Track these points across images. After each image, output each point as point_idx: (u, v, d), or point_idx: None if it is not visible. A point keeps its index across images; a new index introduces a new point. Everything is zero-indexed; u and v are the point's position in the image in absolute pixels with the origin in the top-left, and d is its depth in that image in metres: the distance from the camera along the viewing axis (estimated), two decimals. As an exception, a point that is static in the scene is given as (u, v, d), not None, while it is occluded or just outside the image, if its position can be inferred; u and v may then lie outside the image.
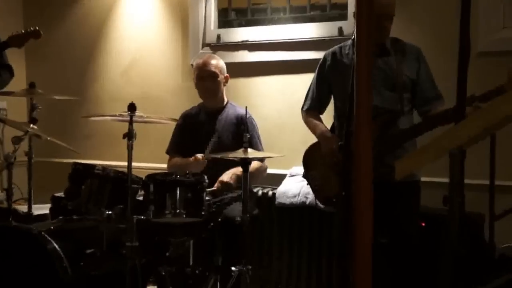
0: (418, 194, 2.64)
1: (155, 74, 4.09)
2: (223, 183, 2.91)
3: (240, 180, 2.72)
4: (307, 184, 2.83)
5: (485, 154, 2.10)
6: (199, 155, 2.95)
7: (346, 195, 2.12)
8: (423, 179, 2.65)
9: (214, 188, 2.86)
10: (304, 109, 2.87)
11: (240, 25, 4.02)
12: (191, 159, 2.98)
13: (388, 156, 2.37)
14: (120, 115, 2.52)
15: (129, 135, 2.44)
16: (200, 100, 3.27)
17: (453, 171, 0.97)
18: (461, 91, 1.13)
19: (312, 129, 2.80)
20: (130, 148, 2.45)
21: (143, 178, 2.62)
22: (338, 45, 2.76)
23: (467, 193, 1.26)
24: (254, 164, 2.98)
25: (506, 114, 0.82)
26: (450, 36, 1.56)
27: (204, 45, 3.93)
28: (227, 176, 2.94)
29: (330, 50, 2.77)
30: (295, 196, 3.27)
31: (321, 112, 2.86)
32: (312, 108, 2.84)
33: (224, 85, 3.21)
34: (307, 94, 2.86)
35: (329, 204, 2.78)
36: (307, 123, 2.86)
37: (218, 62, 3.18)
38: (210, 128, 3.14)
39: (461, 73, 1.12)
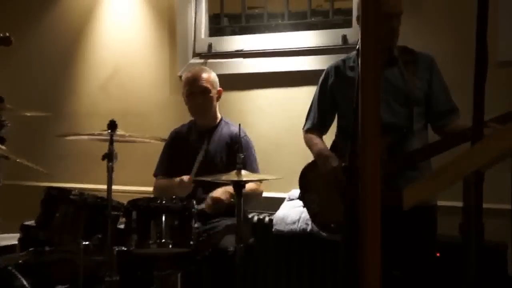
0: (433, 221, 2.63)
1: (139, 87, 4.10)
2: (214, 199, 2.91)
3: (233, 198, 2.71)
4: (304, 207, 2.84)
5: (508, 175, 2.10)
6: (185, 177, 2.95)
7: (351, 222, 2.12)
8: (439, 203, 2.64)
9: (204, 206, 2.86)
10: (305, 129, 2.89)
11: (234, 32, 4.04)
12: (176, 180, 2.97)
13: (399, 179, 2.37)
14: (99, 134, 2.52)
15: (109, 156, 2.44)
16: (191, 117, 3.28)
17: (468, 199, 0.97)
18: (478, 108, 1.14)
19: (310, 147, 2.83)
20: (110, 171, 2.44)
21: (125, 204, 2.61)
22: (342, 58, 2.79)
23: (488, 219, 1.25)
24: (249, 185, 2.98)
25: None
26: (468, 41, 1.57)
27: (194, 54, 3.95)
28: (219, 192, 2.94)
29: (333, 64, 2.79)
30: (294, 223, 3.26)
31: (324, 133, 2.88)
32: (314, 128, 2.85)
33: (217, 100, 3.22)
34: (308, 113, 2.88)
35: (327, 230, 2.80)
36: (306, 141, 2.87)
37: (210, 75, 3.19)
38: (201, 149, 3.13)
39: (478, 88, 1.13)
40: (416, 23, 3.16)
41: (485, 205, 1.29)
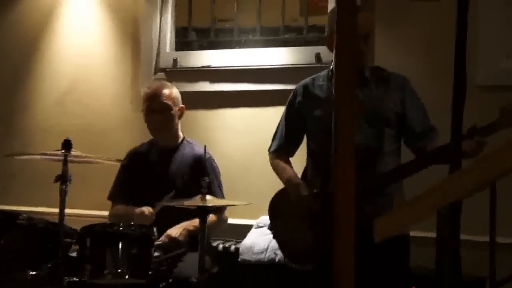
0: (406, 252, 2.65)
1: (98, 102, 4.06)
2: (170, 238, 2.90)
3: (190, 236, 2.70)
4: (273, 236, 2.84)
5: (486, 206, 2.13)
6: (147, 209, 2.92)
7: (322, 251, 2.12)
8: (413, 233, 2.66)
9: (160, 241, 2.83)
10: (271, 150, 2.91)
11: (201, 47, 4.06)
12: (137, 211, 2.94)
13: (369, 205, 2.39)
14: (53, 154, 2.49)
15: (63, 178, 2.41)
16: (151, 136, 3.26)
17: (442, 231, 0.97)
18: (456, 135, 1.15)
19: (279, 174, 2.85)
20: (63, 194, 2.42)
21: (78, 230, 2.57)
22: (311, 77, 2.83)
23: (466, 251, 1.26)
24: (211, 216, 2.96)
25: (507, 167, 0.84)
26: (446, 61, 1.60)
27: (158, 70, 3.95)
28: (175, 230, 2.93)
29: (301, 82, 2.83)
30: (262, 252, 3.25)
31: (291, 154, 2.91)
32: (280, 150, 2.87)
33: (179, 118, 3.21)
34: (275, 133, 2.91)
35: (295, 261, 2.81)
36: (273, 166, 2.89)
37: (172, 91, 3.18)
38: (162, 170, 3.11)
39: (456, 114, 1.15)
40: (392, 41, 3.22)
41: (462, 237, 1.30)
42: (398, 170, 2.58)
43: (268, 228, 2.87)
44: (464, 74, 1.33)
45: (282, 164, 2.84)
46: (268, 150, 2.93)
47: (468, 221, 1.50)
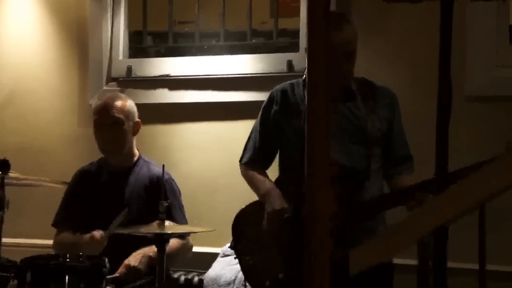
0: (389, 282, 2.70)
1: (40, 117, 4.03)
2: (129, 267, 2.87)
3: (152, 264, 2.67)
4: (235, 257, 2.84)
5: (474, 231, 2.17)
6: (97, 233, 2.89)
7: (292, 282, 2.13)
8: (397, 261, 2.70)
9: (117, 274, 2.81)
10: (243, 162, 2.92)
11: (159, 54, 4.06)
12: (86, 237, 2.91)
13: (352, 233, 2.41)
14: (-13, 175, 2.45)
15: (-1, 203, 2.38)
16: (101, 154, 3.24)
17: (424, 262, 0.99)
18: (441, 152, 1.18)
19: (255, 185, 2.85)
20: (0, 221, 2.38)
21: (18, 262, 2.53)
22: (290, 81, 2.86)
23: (453, 280, 1.28)
24: (173, 242, 2.95)
25: (499, 188, 0.86)
26: (430, 71, 1.64)
27: (110, 79, 3.94)
28: (134, 259, 2.90)
29: (279, 86, 2.85)
30: (229, 284, 3.24)
31: (266, 167, 2.91)
32: (253, 162, 2.88)
33: (134, 134, 3.19)
34: (247, 143, 2.92)
35: None
36: (247, 178, 2.90)
37: (125, 103, 3.17)
38: (114, 194, 3.09)
39: (442, 129, 1.17)
40: (369, 51, 3.26)
41: (449, 264, 1.33)
42: (383, 198, 2.64)
43: (230, 247, 2.87)
44: (449, 84, 1.37)
45: (257, 175, 2.84)
46: (240, 161, 2.93)
47: (455, 247, 1.53)
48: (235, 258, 2.86)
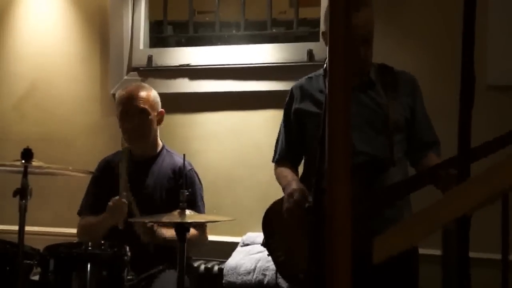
0: (415, 269, 2.68)
1: (62, 107, 4.06)
2: (147, 227, 2.88)
3: (168, 249, 2.70)
4: (268, 254, 2.83)
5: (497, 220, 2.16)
6: (114, 199, 2.92)
7: (316, 272, 2.12)
8: (421, 251, 2.69)
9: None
10: (274, 160, 2.92)
11: (179, 43, 4.07)
12: (110, 203, 2.92)
13: (376, 221, 2.41)
14: (11, 165, 2.48)
15: (22, 192, 2.39)
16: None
17: (448, 251, 0.98)
18: (464, 139, 1.17)
19: (279, 182, 2.84)
20: (23, 210, 2.40)
21: (41, 251, 2.56)
22: (308, 76, 2.84)
23: (475, 270, 1.27)
24: (192, 230, 2.96)
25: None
26: (451, 60, 1.63)
27: (131, 69, 3.95)
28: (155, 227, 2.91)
29: (297, 83, 2.84)
30: (249, 273, 3.25)
31: (295, 163, 2.89)
32: (283, 160, 2.87)
33: (158, 124, 3.20)
34: (276, 143, 2.92)
35: (295, 284, 2.78)
36: (276, 176, 2.89)
37: (150, 93, 3.17)
38: (138, 184, 3.11)
39: (464, 116, 1.16)
40: (394, 37, 3.25)
41: (471, 255, 1.32)
42: (408, 181, 2.60)
43: (262, 245, 2.86)
44: (472, 73, 1.35)
45: (284, 171, 2.83)
46: (272, 161, 2.93)
47: (478, 237, 1.52)
48: (268, 255, 2.84)
